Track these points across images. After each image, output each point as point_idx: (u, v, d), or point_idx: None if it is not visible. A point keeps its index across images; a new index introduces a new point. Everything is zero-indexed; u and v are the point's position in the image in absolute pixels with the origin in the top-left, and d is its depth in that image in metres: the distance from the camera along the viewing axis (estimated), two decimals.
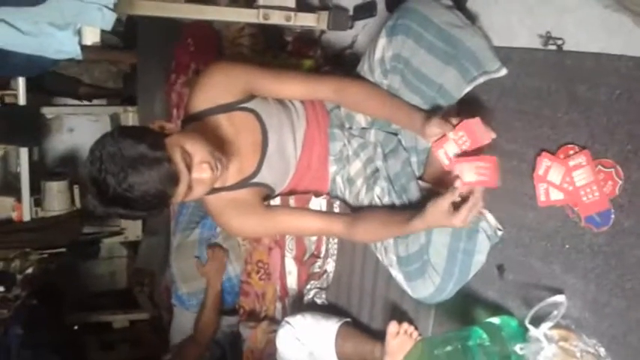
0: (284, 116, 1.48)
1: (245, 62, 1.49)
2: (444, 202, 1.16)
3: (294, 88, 1.46)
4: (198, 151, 1.23)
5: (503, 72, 1.32)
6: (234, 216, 1.43)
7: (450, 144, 1.22)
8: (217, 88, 1.39)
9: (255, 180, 1.43)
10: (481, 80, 1.33)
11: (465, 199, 1.16)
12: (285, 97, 1.50)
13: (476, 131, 1.20)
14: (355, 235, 1.44)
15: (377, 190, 1.47)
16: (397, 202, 1.43)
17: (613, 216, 1.12)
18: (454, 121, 1.22)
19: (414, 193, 1.39)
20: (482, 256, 1.33)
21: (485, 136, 1.21)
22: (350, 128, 1.56)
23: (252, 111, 1.42)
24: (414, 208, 1.27)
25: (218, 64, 1.43)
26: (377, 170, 1.50)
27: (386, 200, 1.45)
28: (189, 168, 1.21)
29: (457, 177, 1.18)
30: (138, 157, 1.13)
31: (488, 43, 1.35)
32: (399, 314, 1.53)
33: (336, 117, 1.57)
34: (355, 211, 1.51)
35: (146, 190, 1.13)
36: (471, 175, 1.18)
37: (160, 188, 1.15)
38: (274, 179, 1.47)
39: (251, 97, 1.43)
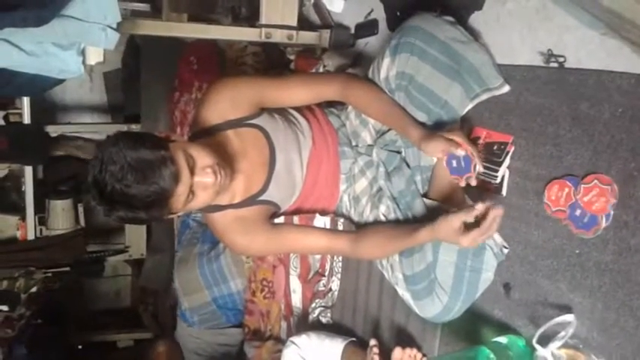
0: (290, 134, 1.48)
1: (249, 75, 1.49)
2: (455, 220, 1.14)
3: (300, 91, 1.46)
4: (202, 156, 1.22)
5: (506, 89, 1.32)
6: (241, 234, 1.41)
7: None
8: (225, 103, 1.39)
9: (263, 197, 1.42)
10: (484, 97, 1.33)
11: (477, 222, 1.14)
12: (294, 103, 1.50)
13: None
14: (361, 252, 1.43)
15: (382, 208, 1.47)
16: (402, 219, 1.42)
17: (604, 222, 1.12)
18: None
19: (419, 210, 1.39)
20: (489, 273, 1.31)
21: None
22: (356, 146, 1.56)
23: (259, 127, 1.42)
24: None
25: (224, 80, 1.43)
26: (381, 189, 1.50)
27: (392, 217, 1.45)
28: (191, 170, 1.19)
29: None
30: (138, 156, 1.12)
31: (492, 60, 1.34)
32: (404, 334, 1.52)
33: (343, 135, 1.57)
34: (360, 229, 1.50)
35: (145, 186, 1.12)
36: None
37: (159, 185, 1.13)
38: (281, 197, 1.47)
39: (259, 112, 1.43)
